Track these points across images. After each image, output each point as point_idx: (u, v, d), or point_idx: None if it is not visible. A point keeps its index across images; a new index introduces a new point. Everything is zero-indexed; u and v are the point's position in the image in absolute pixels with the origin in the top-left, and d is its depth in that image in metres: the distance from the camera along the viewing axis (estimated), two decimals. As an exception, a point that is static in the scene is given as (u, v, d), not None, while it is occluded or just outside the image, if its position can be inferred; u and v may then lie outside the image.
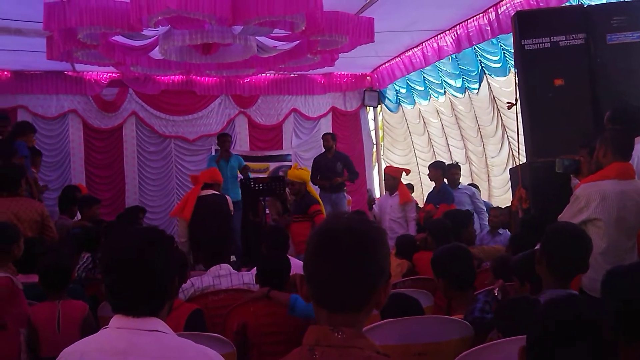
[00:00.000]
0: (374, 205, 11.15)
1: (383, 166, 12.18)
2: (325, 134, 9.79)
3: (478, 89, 9.46)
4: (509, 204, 7.16)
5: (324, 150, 9.50)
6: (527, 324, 1.70)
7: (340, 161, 9.18)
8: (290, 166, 8.90)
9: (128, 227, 2.22)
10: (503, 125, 9.38)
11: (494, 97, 9.33)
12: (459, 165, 8.70)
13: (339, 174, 9.00)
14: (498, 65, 8.74)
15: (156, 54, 8.06)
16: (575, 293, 2.82)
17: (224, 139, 9.59)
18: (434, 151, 11.57)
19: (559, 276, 2.88)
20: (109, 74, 10.53)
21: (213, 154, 10.24)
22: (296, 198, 7.32)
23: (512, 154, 9.14)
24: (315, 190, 8.03)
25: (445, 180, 8.15)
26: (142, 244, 1.85)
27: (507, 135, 9.33)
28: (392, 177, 8.04)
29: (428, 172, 8.33)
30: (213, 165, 8.69)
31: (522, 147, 5.79)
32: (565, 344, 1.60)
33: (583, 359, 1.59)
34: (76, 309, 3.76)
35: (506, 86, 8.53)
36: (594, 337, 1.60)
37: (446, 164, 8.67)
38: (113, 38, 7.50)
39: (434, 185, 8.16)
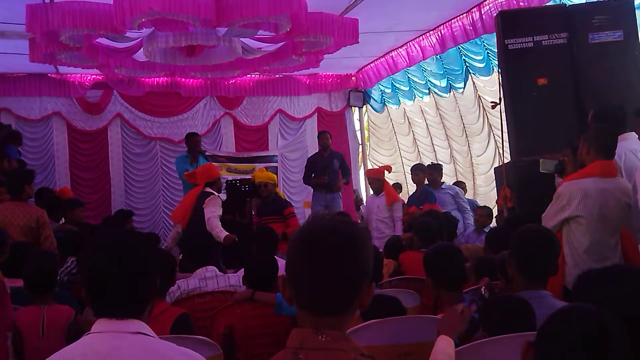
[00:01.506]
0: (361, 206, 11.15)
1: (369, 166, 12.21)
2: (324, 133, 9.40)
3: (463, 88, 9.49)
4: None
5: (318, 149, 9.32)
6: (520, 324, 1.62)
7: (337, 159, 9.11)
8: (270, 168, 8.85)
9: (111, 230, 2.19)
10: (489, 124, 9.41)
11: (479, 96, 9.37)
12: (438, 166, 8.64)
13: (337, 171, 8.94)
14: (482, 65, 8.77)
15: (140, 56, 8.02)
16: (549, 294, 2.84)
17: (196, 139, 9.04)
18: (419, 151, 11.60)
19: (529, 278, 2.91)
20: (92, 76, 10.45)
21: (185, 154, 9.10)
22: (267, 199, 7.31)
23: (498, 152, 9.16)
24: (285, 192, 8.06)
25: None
26: (118, 247, 1.84)
27: (493, 134, 9.36)
28: (375, 179, 8.04)
29: (411, 176, 8.35)
30: (186, 167, 8.29)
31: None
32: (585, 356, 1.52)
33: None
34: (61, 314, 3.71)
35: (491, 85, 8.56)
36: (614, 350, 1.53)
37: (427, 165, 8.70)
38: (96, 40, 7.46)
39: (416, 187, 8.18)
